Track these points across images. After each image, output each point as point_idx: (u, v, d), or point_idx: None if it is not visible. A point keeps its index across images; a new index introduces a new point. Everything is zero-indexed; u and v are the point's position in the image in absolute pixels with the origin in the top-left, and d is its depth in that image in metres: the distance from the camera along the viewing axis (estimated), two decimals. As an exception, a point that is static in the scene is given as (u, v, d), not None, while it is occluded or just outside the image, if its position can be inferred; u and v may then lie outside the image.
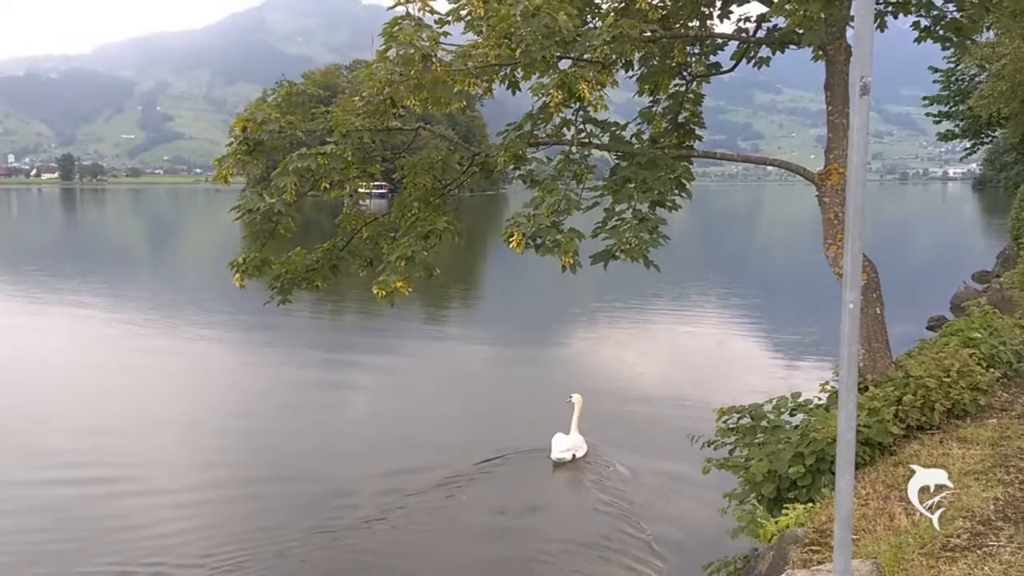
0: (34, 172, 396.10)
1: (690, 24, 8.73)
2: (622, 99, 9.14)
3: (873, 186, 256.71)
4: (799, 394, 7.52)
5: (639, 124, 8.79)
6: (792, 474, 6.27)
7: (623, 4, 7.88)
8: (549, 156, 8.02)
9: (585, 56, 7.35)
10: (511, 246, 6.98)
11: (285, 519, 9.37)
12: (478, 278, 34.36)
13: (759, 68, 9.02)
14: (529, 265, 17.06)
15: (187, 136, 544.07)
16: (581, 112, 7.66)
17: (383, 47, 7.17)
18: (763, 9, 8.36)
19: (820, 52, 7.92)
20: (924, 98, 38.47)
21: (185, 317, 22.97)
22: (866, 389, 7.15)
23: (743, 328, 21.79)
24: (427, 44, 7.01)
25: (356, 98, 7.64)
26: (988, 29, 21.15)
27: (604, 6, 8.30)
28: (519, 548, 8.73)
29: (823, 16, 7.18)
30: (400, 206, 8.87)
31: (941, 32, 8.41)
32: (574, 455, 11.07)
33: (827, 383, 7.76)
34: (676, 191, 7.83)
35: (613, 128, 7.94)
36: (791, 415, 7.26)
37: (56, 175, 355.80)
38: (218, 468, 11.17)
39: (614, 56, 7.50)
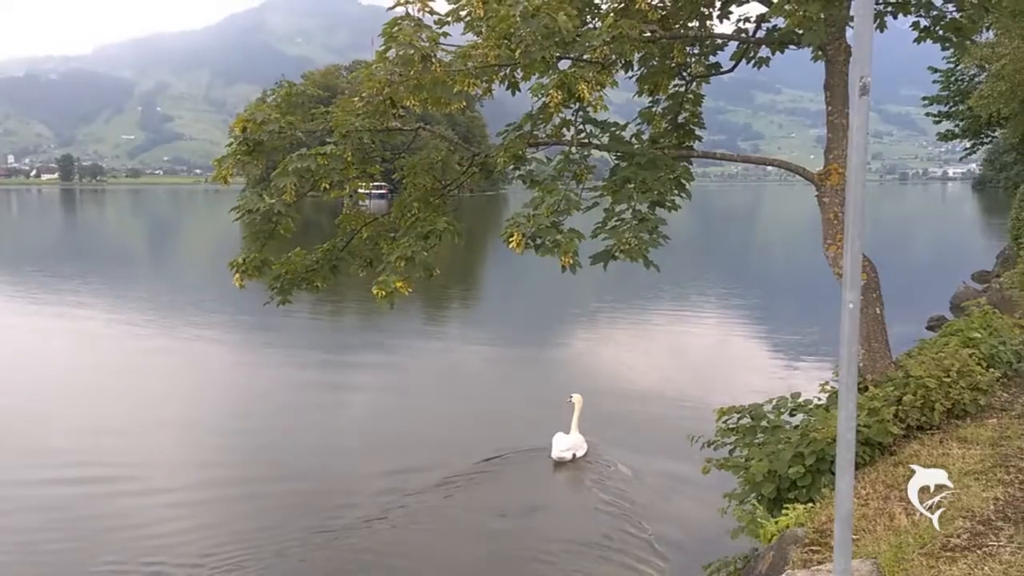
0: (34, 173, 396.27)
1: (690, 24, 8.73)
2: (622, 99, 9.14)
3: (873, 186, 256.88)
4: (799, 394, 7.52)
5: (639, 124, 8.79)
6: (792, 474, 6.27)
7: (623, 4, 7.88)
8: (549, 156, 8.02)
9: (585, 56, 7.35)
10: (511, 246, 6.98)
11: (285, 518, 9.37)
12: (478, 278, 34.35)
13: (759, 68, 9.02)
14: (529, 265, 17.08)
15: (187, 137, 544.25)
16: (581, 112, 7.66)
17: (383, 48, 7.17)
18: (763, 9, 8.36)
19: (820, 52, 7.92)
20: (924, 98, 38.48)
21: (185, 317, 22.96)
22: (866, 389, 7.15)
23: (743, 328, 21.79)
24: (427, 45, 7.01)
25: (356, 99, 7.65)
26: (988, 29, 21.15)
27: (604, 6, 8.31)
28: (519, 547, 8.73)
29: (823, 16, 7.18)
30: (400, 206, 8.87)
31: (941, 32, 8.40)
32: (574, 454, 11.08)
33: (827, 383, 7.76)
34: (676, 191, 7.82)
35: (613, 128, 7.94)
36: (791, 415, 7.27)
37: (56, 176, 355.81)
38: (218, 468, 11.17)
39: (614, 56, 7.50)
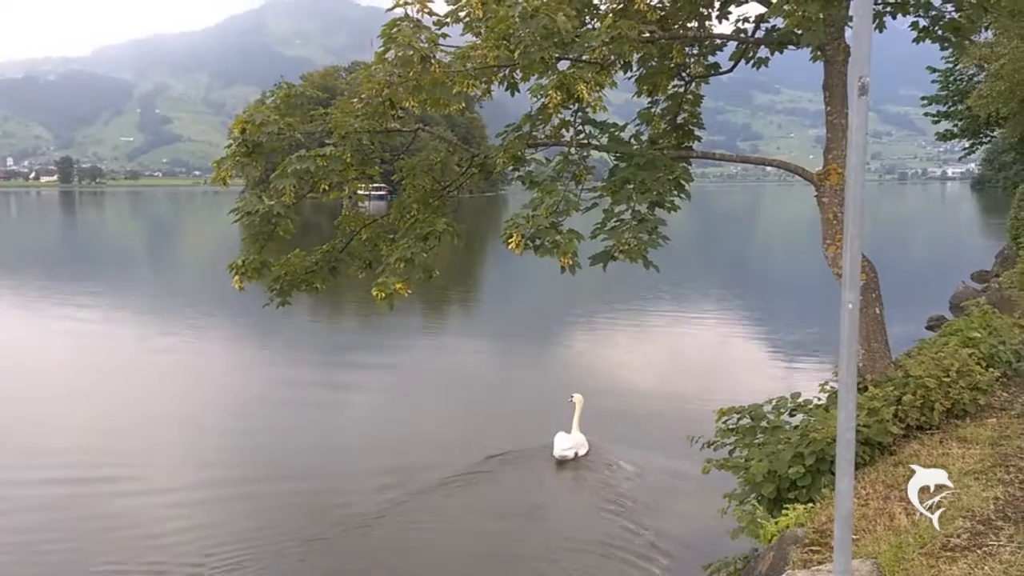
0: (33, 175, 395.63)
1: (689, 25, 8.74)
2: (621, 100, 9.15)
3: (872, 186, 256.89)
4: (799, 394, 7.52)
5: (638, 125, 8.80)
6: (792, 474, 6.27)
7: (622, 5, 7.89)
8: (548, 157, 8.02)
9: (584, 57, 7.35)
10: (510, 247, 6.98)
11: (285, 518, 9.38)
12: (477, 279, 34.35)
13: (758, 69, 9.03)
14: (529, 266, 17.08)
15: (186, 138, 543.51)
16: (580, 113, 7.66)
17: (382, 49, 7.16)
18: (762, 10, 8.37)
19: (819, 52, 7.92)
20: (923, 98, 38.47)
21: (184, 319, 22.95)
22: (866, 389, 7.15)
23: (743, 328, 21.80)
24: (426, 46, 7.00)
25: (355, 100, 7.64)
26: (986, 29, 21.17)
27: (603, 7, 8.31)
28: (520, 546, 8.74)
29: (821, 16, 7.18)
30: (399, 208, 8.87)
31: (939, 32, 8.41)
32: (576, 453, 11.11)
33: (827, 383, 7.76)
34: (675, 192, 7.82)
35: (612, 129, 7.94)
36: (791, 415, 7.27)
37: (55, 178, 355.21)
38: (218, 467, 11.17)
39: (613, 57, 7.50)
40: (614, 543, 8.69)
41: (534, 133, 7.88)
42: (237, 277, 8.12)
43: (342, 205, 8.91)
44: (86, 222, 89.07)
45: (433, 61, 7.02)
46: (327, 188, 8.10)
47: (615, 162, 7.98)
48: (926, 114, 39.03)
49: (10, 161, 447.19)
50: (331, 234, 9.05)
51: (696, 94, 9.23)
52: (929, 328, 17.77)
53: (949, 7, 8.45)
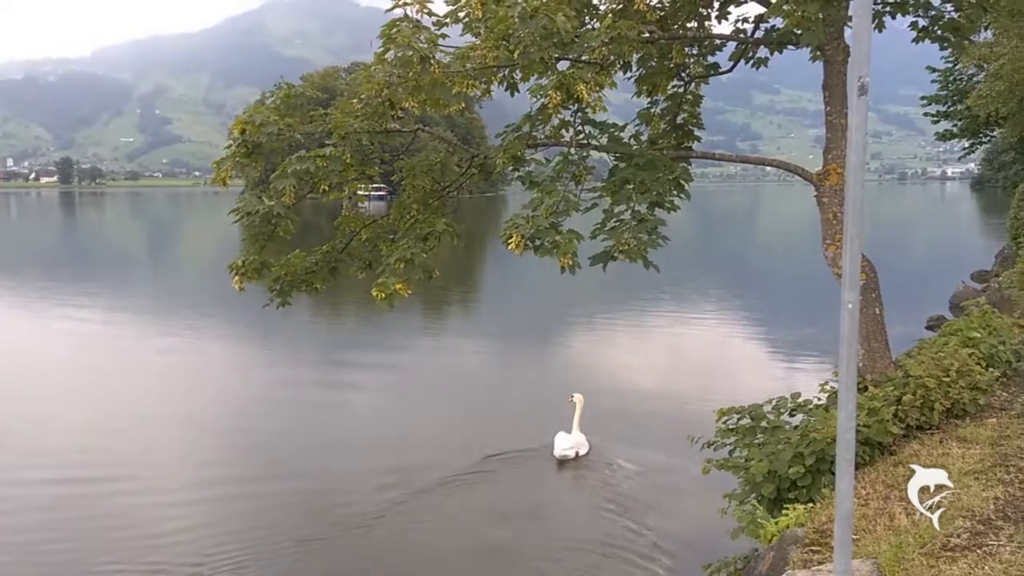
0: (33, 176, 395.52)
1: (688, 25, 8.75)
2: (620, 100, 9.16)
3: (872, 186, 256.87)
4: (799, 394, 7.52)
5: (637, 125, 8.81)
6: (792, 474, 6.27)
7: (621, 5, 7.90)
8: (548, 157, 8.02)
9: (583, 57, 7.35)
10: (510, 248, 6.98)
11: (285, 518, 9.38)
12: (477, 280, 34.35)
13: (757, 69, 9.03)
14: (529, 267, 17.07)
15: (186, 139, 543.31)
16: (579, 113, 7.67)
17: (381, 49, 7.16)
18: (761, 10, 8.37)
19: (818, 52, 7.93)
20: (922, 98, 38.45)
21: (184, 319, 22.96)
22: (865, 389, 7.16)
23: (743, 328, 21.80)
24: (425, 46, 7.00)
25: (355, 100, 7.64)
26: (986, 29, 21.16)
27: (602, 7, 8.32)
28: (521, 546, 8.74)
29: (821, 16, 7.18)
30: (399, 208, 8.87)
31: (939, 32, 8.41)
32: (577, 453, 11.12)
33: (827, 383, 7.76)
34: (675, 192, 7.82)
35: (611, 129, 7.94)
36: (791, 415, 7.27)
37: (55, 179, 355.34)
38: (218, 467, 11.17)
39: (612, 57, 7.50)
40: (614, 543, 8.69)
41: (534, 133, 7.88)
42: (237, 277, 8.12)
43: (342, 205, 8.91)
44: (86, 223, 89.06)
45: (433, 61, 7.02)
46: (327, 189, 8.10)
47: (615, 162, 7.98)
48: (926, 114, 39.01)
49: (10, 162, 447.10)
50: (331, 234, 9.05)
51: (696, 94, 9.24)
52: (929, 328, 17.77)
53: (948, 7, 8.45)
